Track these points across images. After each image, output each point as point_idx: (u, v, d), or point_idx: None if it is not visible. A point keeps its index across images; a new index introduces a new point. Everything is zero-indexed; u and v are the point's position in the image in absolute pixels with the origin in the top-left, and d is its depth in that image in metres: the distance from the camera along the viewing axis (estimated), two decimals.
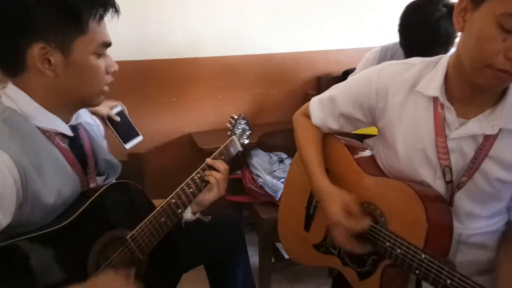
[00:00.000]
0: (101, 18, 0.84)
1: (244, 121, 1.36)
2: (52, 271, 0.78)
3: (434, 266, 0.79)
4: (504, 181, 0.86)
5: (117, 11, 0.85)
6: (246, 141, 1.36)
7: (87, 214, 0.85)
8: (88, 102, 0.89)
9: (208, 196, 1.14)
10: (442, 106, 0.88)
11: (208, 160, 1.15)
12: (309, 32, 2.13)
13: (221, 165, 1.15)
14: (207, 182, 1.12)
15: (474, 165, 0.86)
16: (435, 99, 0.89)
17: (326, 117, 1.09)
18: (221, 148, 1.20)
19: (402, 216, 0.88)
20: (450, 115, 0.87)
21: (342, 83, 1.09)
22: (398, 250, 0.85)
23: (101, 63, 0.86)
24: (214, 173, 1.12)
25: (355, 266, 0.99)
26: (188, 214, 1.15)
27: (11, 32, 0.77)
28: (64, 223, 0.81)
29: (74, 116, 0.92)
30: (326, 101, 1.09)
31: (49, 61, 0.79)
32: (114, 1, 0.85)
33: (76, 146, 0.91)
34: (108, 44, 0.87)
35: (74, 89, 0.84)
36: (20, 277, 0.74)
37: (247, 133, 1.37)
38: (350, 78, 1.09)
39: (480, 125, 0.85)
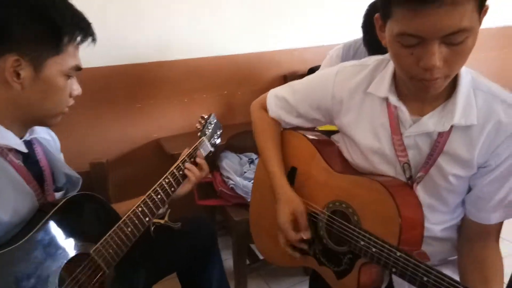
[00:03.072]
0: (80, 43, 0.85)
1: (215, 120, 1.32)
2: None
3: (410, 264, 0.79)
4: (460, 176, 0.88)
5: (94, 40, 0.86)
6: (218, 141, 1.32)
7: (46, 229, 0.81)
8: (46, 121, 0.87)
9: (181, 190, 1.14)
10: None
11: (198, 157, 1.16)
12: (273, 31, 2.14)
13: (205, 165, 1.17)
14: (183, 178, 1.12)
15: (430, 161, 0.88)
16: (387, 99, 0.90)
17: (284, 115, 1.10)
18: (190, 150, 1.17)
19: (375, 213, 0.89)
20: (402, 113, 0.88)
21: (299, 82, 1.10)
22: (373, 249, 0.85)
23: (67, 85, 0.85)
24: (194, 168, 1.13)
25: (332, 266, 0.98)
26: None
27: None
28: (21, 241, 0.76)
29: (28, 131, 0.88)
30: (283, 101, 1.09)
31: (18, 74, 0.77)
32: (94, 32, 0.86)
33: (31, 162, 0.87)
34: (79, 68, 0.86)
35: (37, 106, 0.82)
36: None
37: (218, 132, 1.33)
38: (308, 77, 1.10)
39: (433, 122, 0.86)
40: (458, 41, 0.71)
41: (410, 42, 0.73)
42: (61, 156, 1.03)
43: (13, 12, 0.75)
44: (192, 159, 1.16)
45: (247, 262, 1.83)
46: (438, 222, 0.94)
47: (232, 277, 1.72)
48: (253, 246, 1.90)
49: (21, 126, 0.85)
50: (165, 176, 1.08)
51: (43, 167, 0.90)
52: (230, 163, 1.89)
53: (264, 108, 1.14)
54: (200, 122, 1.29)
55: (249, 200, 1.67)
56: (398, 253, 0.81)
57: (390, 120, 0.91)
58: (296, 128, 1.15)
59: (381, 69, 0.93)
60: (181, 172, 1.11)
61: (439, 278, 0.75)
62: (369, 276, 0.92)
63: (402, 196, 0.88)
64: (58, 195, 0.93)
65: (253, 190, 1.27)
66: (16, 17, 0.75)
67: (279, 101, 1.10)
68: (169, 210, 1.16)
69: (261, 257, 1.85)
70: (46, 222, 0.81)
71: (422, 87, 0.80)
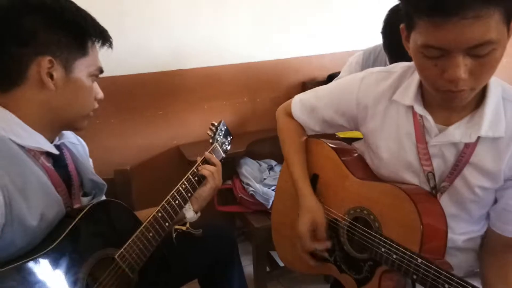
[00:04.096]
0: (100, 46, 0.90)
1: (225, 127, 1.34)
2: None
3: (431, 270, 0.78)
4: (485, 188, 0.86)
5: (111, 46, 0.92)
6: (228, 147, 1.34)
7: (73, 235, 0.82)
8: (74, 123, 0.91)
9: (205, 188, 1.16)
10: None
11: (206, 154, 1.19)
12: (292, 38, 2.14)
13: (215, 159, 1.20)
14: (202, 179, 1.14)
15: (455, 172, 0.86)
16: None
17: (308, 120, 1.10)
18: (203, 157, 1.19)
19: (396, 220, 0.88)
20: (428, 122, 0.87)
21: (324, 88, 1.09)
22: (394, 256, 0.84)
23: (93, 86, 0.90)
24: (207, 166, 1.16)
25: (352, 273, 0.97)
26: (190, 213, 1.14)
27: (13, 43, 0.79)
28: (50, 247, 0.78)
29: (58, 136, 0.91)
30: (308, 106, 1.09)
31: (52, 76, 0.81)
32: (110, 37, 0.91)
33: (60, 166, 0.89)
34: (101, 71, 0.92)
35: (67, 106, 0.86)
36: None
37: (229, 139, 1.35)
38: (333, 83, 1.09)
39: (459, 132, 0.84)
40: (483, 53, 0.70)
41: (434, 54, 0.73)
42: (90, 162, 1.06)
43: (40, 19, 0.79)
44: (205, 165, 1.18)
45: (267, 269, 1.82)
46: (461, 233, 0.92)
47: (252, 283, 1.71)
48: (273, 253, 1.90)
49: (51, 130, 0.87)
50: (181, 182, 1.10)
51: (71, 172, 0.92)
52: (250, 169, 1.90)
53: (289, 114, 1.14)
54: (211, 129, 1.30)
55: (269, 207, 1.68)
56: (419, 260, 0.80)
57: (415, 128, 0.89)
58: (318, 136, 1.15)
59: (407, 76, 0.92)
60: (196, 178, 1.13)
61: (461, 285, 0.73)
62: (390, 284, 0.91)
63: (425, 204, 0.87)
64: (85, 200, 0.95)
65: (276, 196, 1.28)
66: (43, 23, 0.79)
67: (303, 107, 1.10)
68: (199, 215, 1.17)
69: (281, 265, 1.84)
70: (73, 228, 0.82)
71: (447, 98, 0.79)
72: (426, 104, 0.88)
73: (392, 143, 0.94)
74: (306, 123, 1.11)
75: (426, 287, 0.79)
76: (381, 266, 0.90)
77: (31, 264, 0.75)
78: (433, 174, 0.89)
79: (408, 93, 0.89)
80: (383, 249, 0.87)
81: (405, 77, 0.92)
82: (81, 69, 0.85)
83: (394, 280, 0.91)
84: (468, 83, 0.73)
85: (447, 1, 0.66)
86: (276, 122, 1.19)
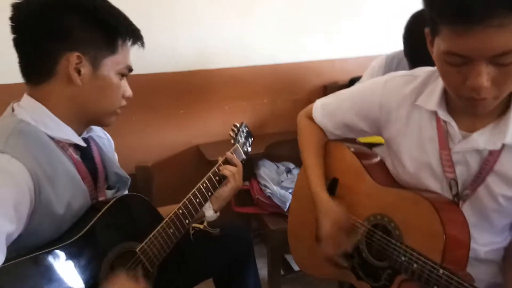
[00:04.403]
0: (132, 44, 0.91)
1: (246, 129, 1.35)
2: (66, 286, 0.77)
3: (454, 282, 0.76)
4: (509, 197, 0.84)
5: (143, 45, 0.93)
6: (249, 149, 1.34)
7: (97, 227, 0.85)
8: (101, 119, 0.92)
9: (226, 188, 1.17)
10: None
11: (228, 154, 1.20)
12: (315, 41, 2.14)
13: (236, 160, 1.20)
14: (223, 178, 1.15)
15: (478, 179, 0.85)
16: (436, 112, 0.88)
17: (329, 124, 1.10)
18: (224, 157, 1.20)
19: (418, 228, 0.86)
20: (452, 128, 0.86)
21: (346, 91, 1.09)
22: (415, 265, 0.83)
23: (121, 84, 0.91)
24: (228, 166, 1.17)
25: (370, 281, 0.96)
26: (210, 212, 1.15)
27: (44, 41, 0.81)
28: (76, 237, 0.81)
29: (85, 130, 0.94)
30: (330, 110, 1.09)
31: (79, 71, 0.83)
32: (142, 36, 0.93)
33: (87, 159, 0.92)
34: (130, 69, 0.93)
35: (94, 102, 0.88)
36: None
37: (250, 140, 1.35)
38: (355, 87, 1.09)
39: (484, 139, 0.82)
40: (507, 62, 0.69)
41: (457, 61, 0.72)
42: (115, 156, 1.08)
43: (74, 16, 0.82)
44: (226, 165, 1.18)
45: (281, 272, 1.81)
46: (483, 243, 0.90)
47: (266, 286, 1.71)
48: (287, 256, 1.89)
49: (79, 124, 0.90)
50: (202, 180, 1.11)
51: (97, 165, 0.94)
52: (268, 171, 1.90)
53: (311, 118, 1.14)
54: (233, 130, 1.31)
55: (286, 209, 1.67)
56: (441, 271, 0.78)
57: (439, 134, 0.88)
58: (340, 140, 1.14)
59: (431, 81, 0.91)
60: (217, 177, 1.14)
61: None
62: None
63: (448, 212, 0.85)
64: (109, 193, 0.97)
65: (293, 200, 1.28)
66: (77, 20, 0.82)
67: (325, 111, 1.10)
68: (218, 214, 1.18)
69: (295, 268, 1.83)
70: (99, 219, 0.85)
71: (470, 105, 0.78)
72: (450, 110, 0.87)
73: (415, 149, 0.92)
74: (327, 127, 1.11)
75: None
76: (400, 275, 0.88)
77: (56, 253, 0.77)
78: (456, 182, 0.87)
79: (432, 98, 0.88)
80: (403, 258, 0.85)
81: (429, 82, 0.91)
82: (109, 66, 0.87)
83: None
84: (491, 91, 0.72)
85: (471, 9, 0.65)
86: (296, 125, 1.18)
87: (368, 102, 0.99)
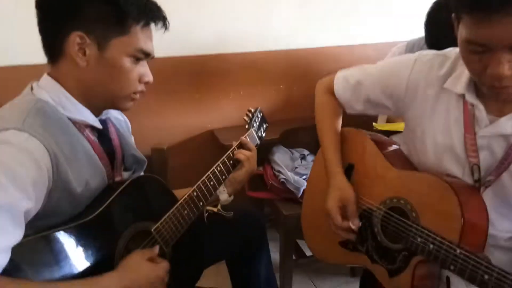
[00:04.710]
0: (146, 25, 0.85)
1: (261, 114, 1.34)
2: (82, 263, 0.79)
3: (470, 261, 0.76)
4: None
5: (165, 25, 0.87)
6: (263, 135, 1.34)
7: (114, 206, 0.86)
8: (115, 104, 0.90)
9: (240, 172, 1.16)
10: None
11: (242, 138, 1.19)
12: (334, 26, 2.10)
13: (251, 144, 1.19)
14: (237, 162, 1.15)
15: (503, 165, 0.83)
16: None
17: (351, 99, 1.07)
18: (239, 141, 1.20)
19: (435, 210, 0.86)
20: (479, 112, 0.84)
21: (371, 66, 1.06)
22: (431, 246, 0.83)
23: (135, 68, 0.86)
24: (243, 150, 1.16)
25: (385, 263, 0.96)
26: (224, 195, 1.16)
27: (59, 18, 0.80)
28: (93, 215, 0.82)
29: (103, 112, 0.94)
30: (353, 83, 1.06)
31: (84, 52, 0.81)
32: (164, 16, 0.87)
33: (105, 140, 0.93)
34: (146, 53, 0.87)
35: (102, 86, 0.85)
36: (52, 268, 0.75)
37: (264, 126, 1.35)
38: (382, 62, 1.06)
39: (511, 124, 0.81)
40: None
41: (477, 50, 0.72)
42: (131, 138, 1.08)
43: None
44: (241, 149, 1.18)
45: (293, 257, 1.82)
46: (504, 230, 0.88)
47: (277, 271, 1.72)
48: (300, 241, 1.90)
49: (94, 106, 0.89)
50: (217, 164, 1.11)
51: (115, 146, 0.94)
52: (282, 157, 1.89)
53: (330, 91, 1.11)
54: (247, 115, 1.30)
55: (299, 195, 1.67)
56: (458, 250, 0.78)
57: (465, 117, 0.86)
58: (357, 126, 1.13)
59: (460, 64, 0.88)
60: (231, 161, 1.14)
61: (502, 276, 0.72)
62: (424, 274, 0.90)
63: (466, 195, 0.85)
64: (125, 174, 0.98)
65: (308, 186, 1.27)
66: None
67: (347, 83, 1.07)
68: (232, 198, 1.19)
69: (307, 254, 1.84)
70: (115, 199, 0.86)
71: (493, 93, 0.78)
72: (478, 94, 0.85)
73: (440, 130, 0.91)
74: (348, 101, 1.08)
75: (463, 277, 0.77)
76: (415, 256, 0.89)
77: (72, 231, 0.79)
78: (478, 167, 0.86)
79: (460, 81, 0.86)
80: (419, 239, 0.86)
81: (458, 64, 0.89)
82: (118, 48, 0.82)
83: (429, 270, 0.89)
84: None
85: None
86: (312, 112, 1.16)
87: (395, 79, 0.97)
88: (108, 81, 0.85)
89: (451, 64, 0.90)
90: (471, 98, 0.85)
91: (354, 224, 0.98)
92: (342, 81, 1.08)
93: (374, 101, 1.03)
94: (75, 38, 0.79)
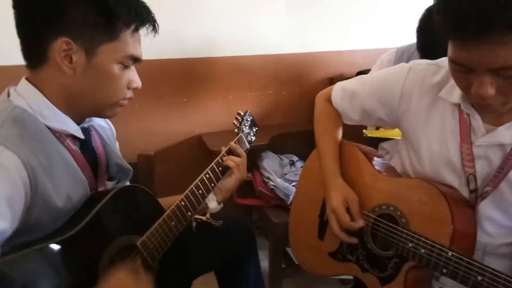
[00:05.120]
0: (136, 30, 0.82)
1: (251, 118, 1.31)
2: (64, 280, 0.75)
3: (463, 263, 0.76)
4: None
5: (154, 29, 0.84)
6: (253, 138, 1.31)
7: (96, 220, 0.81)
8: (101, 111, 0.86)
9: (229, 180, 1.13)
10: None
11: (232, 144, 1.16)
12: (322, 32, 2.10)
13: (240, 150, 1.16)
14: (226, 169, 1.12)
15: (500, 175, 0.83)
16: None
17: (347, 109, 1.07)
18: (228, 147, 1.16)
19: (425, 215, 0.86)
20: (475, 121, 0.84)
21: (367, 77, 1.07)
22: (422, 250, 0.83)
23: (124, 75, 0.83)
24: (232, 157, 1.13)
25: (376, 271, 0.95)
26: (213, 203, 1.11)
27: (40, 21, 0.75)
28: (74, 230, 0.77)
29: (86, 120, 0.89)
30: (349, 93, 1.06)
31: (71, 59, 0.76)
32: (153, 19, 0.84)
33: (87, 149, 0.88)
34: (136, 59, 0.84)
35: (89, 93, 0.81)
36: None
37: (254, 130, 1.32)
38: (378, 72, 1.06)
39: (510, 133, 0.81)
40: (509, 75, 0.69)
41: (461, 69, 0.74)
42: (116, 145, 1.04)
43: None
44: (230, 155, 1.16)
45: (283, 265, 1.80)
46: (500, 237, 0.88)
47: (266, 279, 1.70)
48: (289, 249, 1.87)
49: (77, 114, 0.84)
50: (205, 171, 1.07)
51: (99, 155, 0.90)
52: (271, 163, 1.87)
53: (329, 101, 1.11)
54: (237, 119, 1.28)
55: (288, 202, 1.65)
56: (450, 253, 0.79)
57: (461, 127, 0.86)
58: (346, 138, 1.13)
59: None
60: (220, 168, 1.11)
61: (494, 275, 0.72)
62: (416, 280, 0.90)
63: (454, 198, 0.86)
64: (110, 184, 0.94)
65: (295, 198, 1.26)
66: (71, 1, 0.74)
67: (345, 94, 1.07)
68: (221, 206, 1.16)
69: (296, 262, 1.82)
70: (98, 211, 0.81)
71: (481, 108, 0.80)
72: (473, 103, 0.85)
73: (435, 140, 0.91)
74: (345, 111, 1.08)
75: (457, 280, 0.77)
76: (407, 262, 0.88)
77: (54, 247, 0.74)
78: (474, 177, 0.85)
79: (455, 91, 0.86)
80: (410, 244, 0.86)
81: None
82: (107, 54, 0.78)
83: (421, 276, 0.89)
84: (497, 98, 0.73)
85: (466, 26, 0.66)
86: (301, 117, 1.16)
87: (390, 88, 0.97)
88: (95, 88, 0.80)
89: (445, 73, 0.90)
90: (466, 108, 0.84)
91: (360, 224, 0.95)
92: (340, 91, 1.09)
93: (370, 111, 1.03)
94: (61, 44, 0.74)
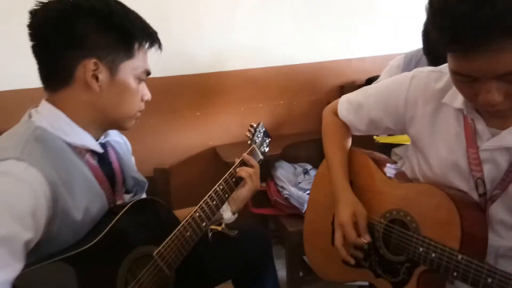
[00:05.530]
0: (149, 47, 0.91)
1: (263, 129, 1.34)
2: None
3: (473, 266, 0.77)
4: None
5: (160, 47, 0.93)
6: (266, 149, 1.34)
7: (114, 231, 0.85)
8: (120, 124, 0.93)
9: (243, 190, 1.16)
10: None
11: (244, 155, 1.19)
12: (332, 41, 2.12)
13: (253, 161, 1.19)
14: (239, 180, 1.15)
15: (508, 177, 0.83)
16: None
17: (354, 120, 1.09)
18: (241, 159, 1.19)
19: (434, 219, 0.87)
20: (480, 125, 0.84)
21: (372, 86, 1.08)
22: (433, 254, 0.84)
23: (140, 89, 0.91)
24: (245, 167, 1.16)
25: (389, 277, 0.96)
26: (228, 214, 1.15)
27: (65, 46, 0.82)
28: (93, 242, 0.81)
29: (103, 135, 0.94)
30: (355, 105, 1.08)
31: (97, 78, 0.83)
32: (159, 39, 0.93)
33: (105, 164, 0.93)
34: (148, 73, 0.93)
35: (112, 107, 0.88)
36: None
37: (267, 141, 1.35)
38: (382, 82, 1.08)
39: None
40: None
41: (465, 79, 0.73)
42: (132, 160, 1.08)
43: (91, 22, 0.82)
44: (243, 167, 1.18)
45: (300, 274, 1.80)
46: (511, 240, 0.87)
47: (284, 287, 1.70)
48: (306, 258, 1.87)
49: (97, 129, 0.90)
50: (219, 183, 1.10)
51: (115, 169, 0.95)
52: (285, 172, 1.89)
53: (336, 114, 1.13)
54: (249, 131, 1.31)
55: (303, 211, 1.66)
56: (460, 256, 0.79)
57: (466, 132, 0.87)
58: (355, 145, 1.14)
59: None
60: (233, 179, 1.13)
61: (505, 278, 0.72)
62: (428, 284, 0.90)
63: (463, 201, 0.86)
64: (127, 197, 0.97)
65: (308, 206, 1.27)
66: (93, 26, 0.82)
67: (350, 106, 1.09)
68: (236, 216, 1.18)
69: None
70: (116, 224, 0.85)
71: (488, 114, 0.80)
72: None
73: (442, 146, 0.91)
74: (352, 122, 1.10)
75: (467, 283, 0.78)
76: (419, 266, 0.89)
77: (73, 259, 0.78)
78: (483, 181, 0.85)
79: (458, 96, 0.86)
80: (421, 249, 0.86)
81: None
82: (127, 71, 0.86)
83: (432, 280, 0.89)
84: (505, 103, 0.73)
85: (464, 37, 0.66)
86: (313, 126, 1.18)
87: (394, 97, 0.98)
88: (118, 102, 0.88)
89: (448, 79, 0.90)
90: (470, 113, 0.85)
91: (366, 238, 0.97)
92: (346, 104, 1.11)
93: (376, 121, 1.04)
94: (89, 65, 0.81)
